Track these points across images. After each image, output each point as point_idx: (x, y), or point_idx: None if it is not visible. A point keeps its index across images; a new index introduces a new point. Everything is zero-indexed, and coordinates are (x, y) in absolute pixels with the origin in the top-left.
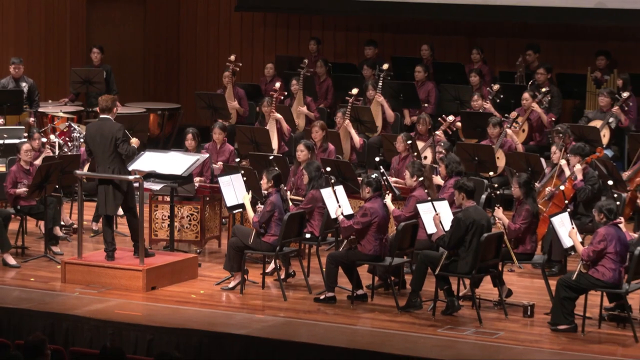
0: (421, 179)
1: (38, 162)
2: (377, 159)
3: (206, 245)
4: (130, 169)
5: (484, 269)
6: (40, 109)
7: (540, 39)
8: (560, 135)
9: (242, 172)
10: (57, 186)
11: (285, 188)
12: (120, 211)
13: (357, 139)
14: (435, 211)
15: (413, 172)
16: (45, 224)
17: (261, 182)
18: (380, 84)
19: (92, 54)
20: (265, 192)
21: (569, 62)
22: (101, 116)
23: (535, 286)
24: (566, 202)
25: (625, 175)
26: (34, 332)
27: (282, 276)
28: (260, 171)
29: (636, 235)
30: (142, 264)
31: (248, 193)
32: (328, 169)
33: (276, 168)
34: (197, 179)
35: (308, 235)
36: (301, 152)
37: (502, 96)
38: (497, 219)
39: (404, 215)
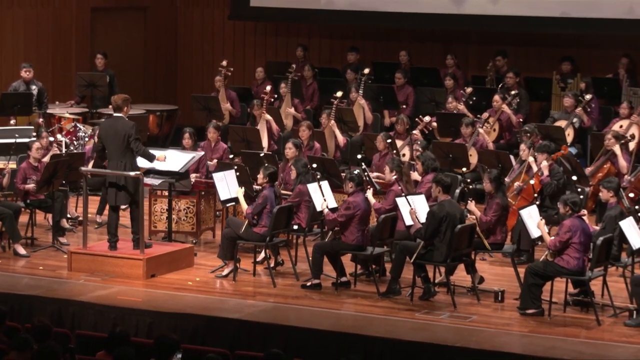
0: (400, 174)
1: (46, 159)
2: (359, 156)
3: (201, 236)
4: None
5: (458, 257)
6: (48, 111)
7: (509, 46)
8: (528, 134)
9: (236, 167)
10: (63, 181)
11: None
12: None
13: (341, 138)
14: (410, 205)
15: (392, 168)
16: (53, 217)
17: (258, 176)
18: (362, 87)
19: (96, 59)
20: (260, 186)
21: (535, 66)
22: (114, 114)
23: (505, 273)
24: (535, 195)
25: (588, 170)
26: (39, 317)
27: (272, 264)
28: (252, 167)
29: (598, 227)
30: (143, 253)
31: (241, 188)
32: (314, 165)
33: (272, 166)
34: (193, 175)
35: (295, 227)
36: (289, 150)
37: (474, 98)
38: (469, 211)
39: (384, 208)
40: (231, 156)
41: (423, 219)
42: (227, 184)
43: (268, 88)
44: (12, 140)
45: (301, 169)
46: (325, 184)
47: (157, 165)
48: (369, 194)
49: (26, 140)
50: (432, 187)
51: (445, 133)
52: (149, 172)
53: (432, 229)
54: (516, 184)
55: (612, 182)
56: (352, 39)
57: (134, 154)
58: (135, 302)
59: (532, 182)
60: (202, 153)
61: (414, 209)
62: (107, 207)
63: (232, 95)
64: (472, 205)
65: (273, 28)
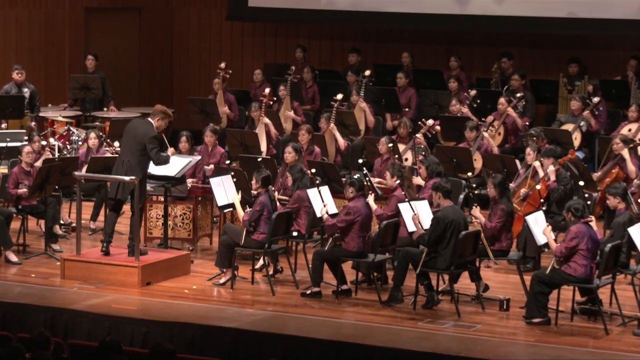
0: (401, 179)
1: (38, 164)
2: (360, 160)
3: (198, 243)
4: None
5: (462, 265)
6: (40, 114)
7: (515, 47)
8: (534, 138)
9: (232, 173)
10: (56, 187)
11: (273, 189)
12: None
13: (342, 141)
14: (414, 211)
15: (393, 173)
16: (46, 223)
17: (252, 182)
18: (363, 89)
19: (86, 61)
20: (255, 192)
21: (541, 68)
22: (148, 118)
23: (510, 281)
24: (542, 200)
25: (596, 176)
26: (36, 326)
27: (271, 272)
28: (250, 172)
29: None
30: (138, 260)
31: (238, 193)
32: (313, 170)
33: (266, 170)
34: (189, 179)
35: (295, 233)
36: (289, 154)
37: (478, 101)
38: (474, 217)
39: (385, 214)
40: (227, 162)
41: (426, 225)
42: (224, 189)
43: (267, 91)
44: (3, 144)
45: (297, 174)
46: (325, 189)
47: (152, 169)
48: (371, 199)
49: (18, 144)
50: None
51: (449, 137)
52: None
53: (436, 235)
54: (522, 190)
55: (618, 188)
56: (352, 40)
57: (143, 158)
58: (130, 311)
59: (538, 187)
60: (199, 157)
61: (417, 214)
62: (102, 212)
63: (230, 98)
64: (476, 211)
65: (272, 29)
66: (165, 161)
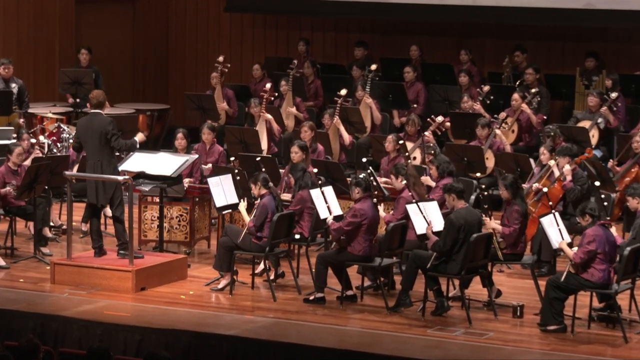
0: (407, 179)
1: (27, 162)
2: (365, 159)
3: (195, 246)
4: (119, 169)
5: (473, 269)
6: (29, 110)
7: (529, 40)
8: (550, 136)
9: (237, 170)
10: (46, 187)
11: (276, 189)
12: (108, 212)
13: (347, 137)
14: (422, 211)
15: (397, 173)
16: (35, 225)
17: (251, 190)
18: (369, 84)
19: (80, 55)
20: (258, 196)
21: (557, 63)
22: (92, 111)
23: (524, 287)
24: (552, 203)
25: (610, 163)
26: (24, 334)
27: (272, 277)
28: (249, 171)
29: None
30: (132, 264)
31: (243, 200)
32: (315, 170)
33: (261, 173)
34: (186, 179)
35: (297, 236)
36: (295, 154)
37: (491, 97)
38: (491, 229)
39: (395, 218)
40: (233, 158)
41: (437, 228)
42: (223, 190)
43: (268, 86)
44: None
45: (298, 174)
46: (329, 190)
47: (147, 169)
48: (381, 209)
49: (5, 142)
50: (445, 197)
51: (460, 134)
52: (139, 176)
53: (451, 239)
54: (534, 185)
55: (639, 188)
56: (358, 33)
57: (112, 152)
58: (124, 318)
59: (553, 187)
60: (196, 156)
61: (430, 223)
62: None
63: (229, 93)
64: (492, 223)
65: (273, 21)
66: (129, 147)
